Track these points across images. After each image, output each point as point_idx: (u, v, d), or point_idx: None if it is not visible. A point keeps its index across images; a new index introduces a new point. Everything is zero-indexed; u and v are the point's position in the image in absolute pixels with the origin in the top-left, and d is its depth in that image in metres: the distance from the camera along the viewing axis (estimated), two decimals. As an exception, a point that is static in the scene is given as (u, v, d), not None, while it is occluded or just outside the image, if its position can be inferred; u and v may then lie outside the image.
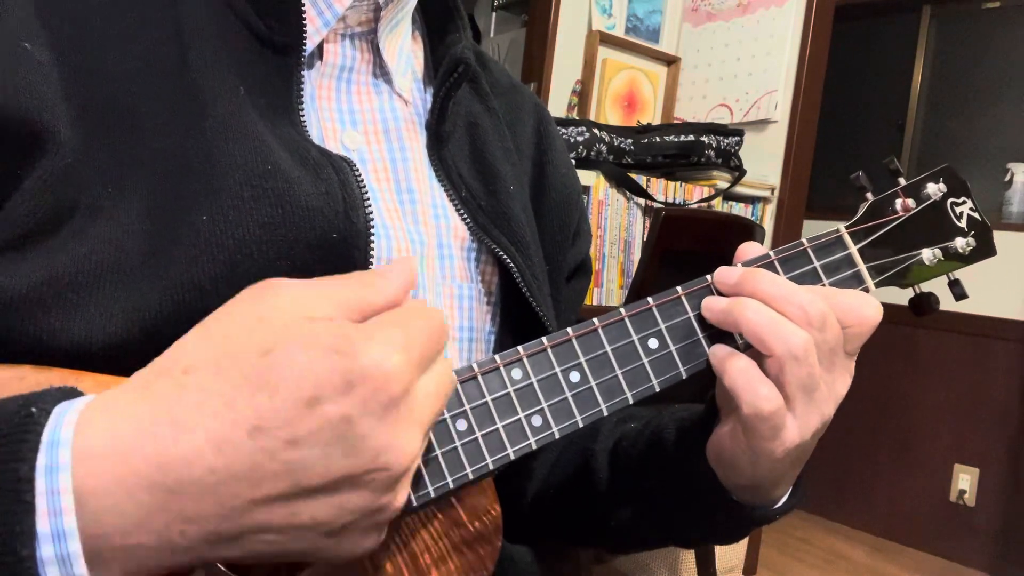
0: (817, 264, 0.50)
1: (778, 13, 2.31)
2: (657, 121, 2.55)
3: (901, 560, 2.77)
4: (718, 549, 2.10)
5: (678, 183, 2.02)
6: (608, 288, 1.92)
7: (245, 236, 0.41)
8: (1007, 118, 3.01)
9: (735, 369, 0.43)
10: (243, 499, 0.29)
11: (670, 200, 2.00)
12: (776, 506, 0.52)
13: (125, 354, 0.38)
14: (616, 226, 1.92)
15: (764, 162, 2.32)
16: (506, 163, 0.57)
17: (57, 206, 0.38)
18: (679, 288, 0.47)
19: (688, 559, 2.11)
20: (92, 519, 0.28)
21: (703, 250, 1.65)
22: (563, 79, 2.36)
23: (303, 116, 0.47)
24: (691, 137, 2.06)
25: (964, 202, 0.53)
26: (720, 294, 0.47)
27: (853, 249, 0.51)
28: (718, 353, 0.45)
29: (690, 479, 0.52)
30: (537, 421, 0.43)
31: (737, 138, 2.12)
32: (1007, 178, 2.87)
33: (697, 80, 2.54)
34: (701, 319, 0.47)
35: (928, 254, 0.52)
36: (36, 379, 0.36)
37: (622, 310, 0.46)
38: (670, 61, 2.58)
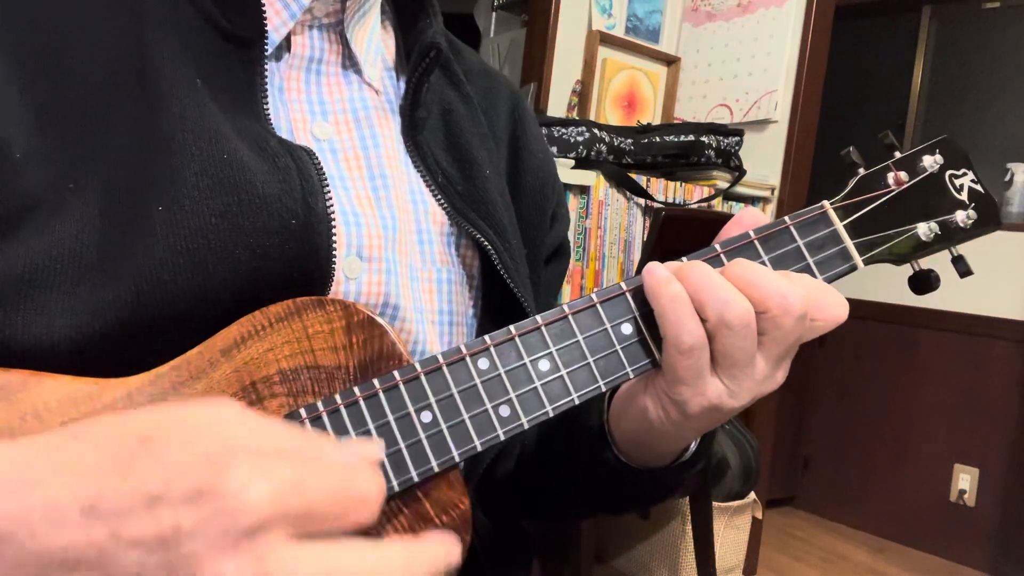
0: (800, 243, 0.47)
1: (778, 13, 2.31)
2: (657, 121, 2.55)
3: (901, 560, 2.77)
4: (718, 549, 2.10)
5: (678, 183, 2.02)
6: (608, 288, 1.92)
7: (202, 225, 0.41)
8: (1007, 118, 3.01)
9: (667, 296, 0.42)
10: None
11: (670, 200, 2.00)
12: (668, 465, 0.52)
13: (89, 347, 0.38)
14: (616, 226, 1.92)
15: (764, 162, 2.32)
16: (481, 149, 0.57)
17: (13, 204, 0.38)
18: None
19: (688, 559, 2.11)
20: None
21: (703, 250, 1.65)
22: (563, 79, 2.35)
23: (267, 108, 0.47)
24: (691, 137, 2.06)
25: (964, 174, 0.50)
26: None
27: (839, 225, 0.48)
28: (655, 274, 0.43)
29: (580, 430, 0.52)
30: (505, 412, 0.42)
31: (737, 138, 2.12)
32: (1007, 178, 2.87)
33: (697, 80, 2.54)
34: None
35: (924, 228, 0.49)
36: (37, 384, 0.37)
37: (593, 295, 0.44)
38: (670, 61, 2.58)
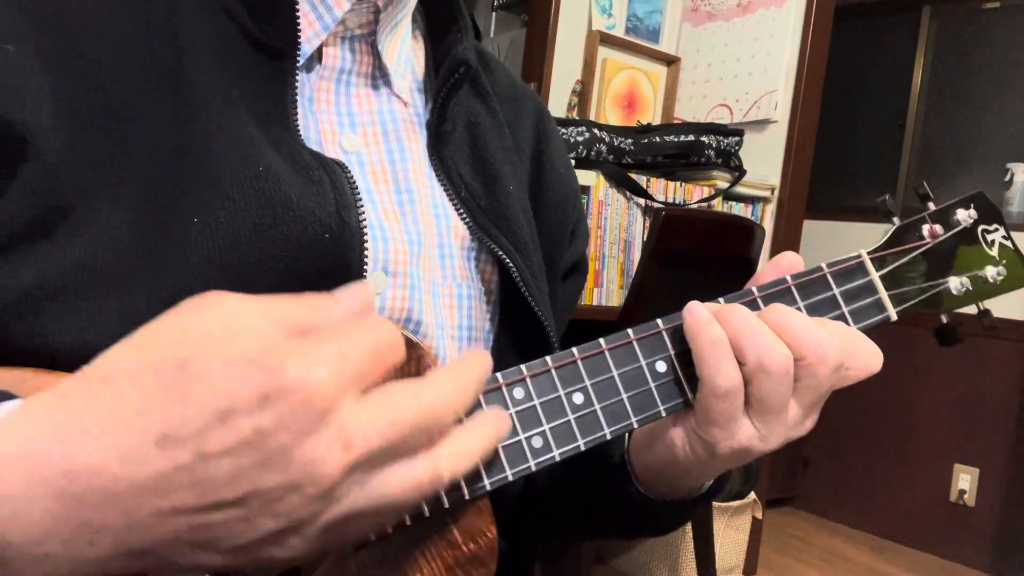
0: (836, 291, 0.48)
1: (778, 13, 2.31)
2: (657, 121, 2.55)
3: (901, 560, 2.77)
4: (718, 549, 2.10)
5: (678, 183, 2.02)
6: (608, 288, 1.92)
7: (237, 238, 0.41)
8: (1007, 118, 3.01)
9: (707, 338, 0.42)
10: (149, 510, 0.28)
11: (670, 200, 2.00)
12: (688, 498, 0.52)
13: None
14: (616, 226, 1.92)
15: (764, 162, 2.32)
16: (506, 163, 0.57)
17: (46, 209, 0.38)
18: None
19: (688, 559, 2.11)
20: (3, 526, 0.27)
21: (703, 250, 1.65)
22: (563, 79, 2.35)
23: (297, 119, 0.47)
24: (691, 137, 2.06)
25: (996, 229, 0.51)
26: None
27: (875, 276, 0.49)
28: (696, 315, 0.43)
29: (600, 458, 0.52)
30: (538, 443, 0.42)
31: (737, 138, 2.12)
32: (1007, 178, 2.87)
33: (697, 80, 2.54)
34: None
35: (956, 283, 0.50)
36: (36, 383, 0.36)
37: (630, 332, 0.44)
38: (670, 61, 2.58)
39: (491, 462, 0.41)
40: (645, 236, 1.95)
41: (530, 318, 0.54)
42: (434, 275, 0.52)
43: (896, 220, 0.50)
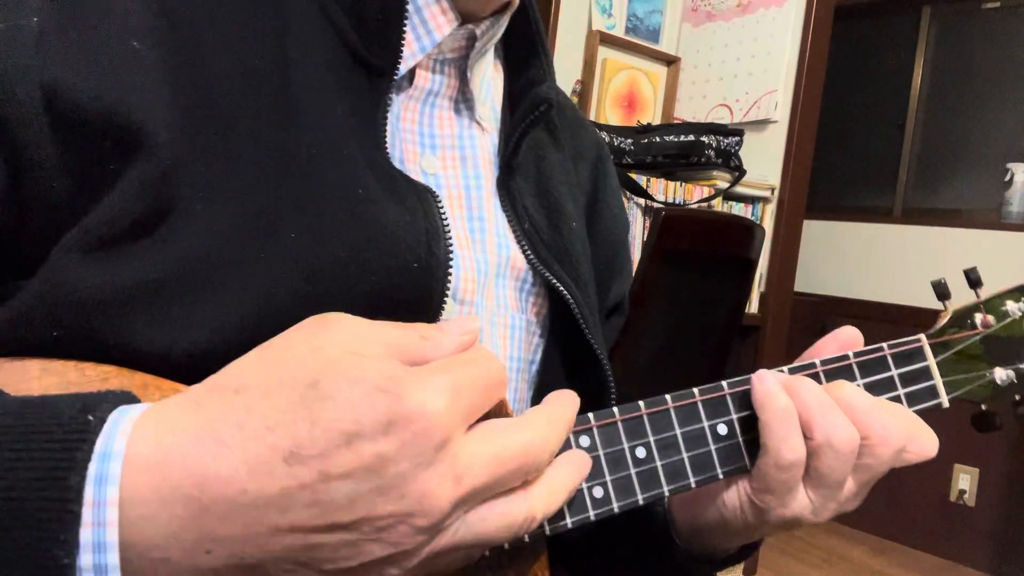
0: (895, 373, 0.49)
1: (778, 13, 2.31)
2: (657, 121, 2.55)
3: (901, 560, 2.77)
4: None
5: (678, 183, 2.02)
6: (608, 288, 1.92)
7: (331, 257, 0.41)
8: (1007, 118, 3.01)
9: (774, 408, 0.43)
10: (269, 525, 0.29)
11: (670, 200, 2.00)
12: (718, 557, 0.53)
13: (205, 363, 0.37)
14: (616, 226, 1.92)
15: (764, 162, 2.32)
16: (569, 198, 0.57)
17: (152, 208, 0.37)
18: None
19: (688, 559, 2.10)
20: (129, 528, 0.28)
21: (703, 250, 1.65)
22: (563, 79, 2.35)
23: (387, 137, 0.47)
24: (691, 137, 2.06)
25: None
26: None
27: (932, 362, 0.50)
28: (766, 383, 0.44)
29: (641, 522, 0.53)
30: (599, 493, 0.42)
31: (737, 138, 2.12)
32: (1007, 178, 2.87)
33: (697, 80, 2.54)
34: None
35: (1001, 374, 0.51)
36: (120, 382, 0.36)
37: (695, 391, 0.45)
38: (670, 61, 2.58)
39: None
40: (645, 236, 1.95)
41: (585, 352, 0.54)
42: (492, 304, 0.52)
43: (948, 304, 0.52)
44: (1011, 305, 0.51)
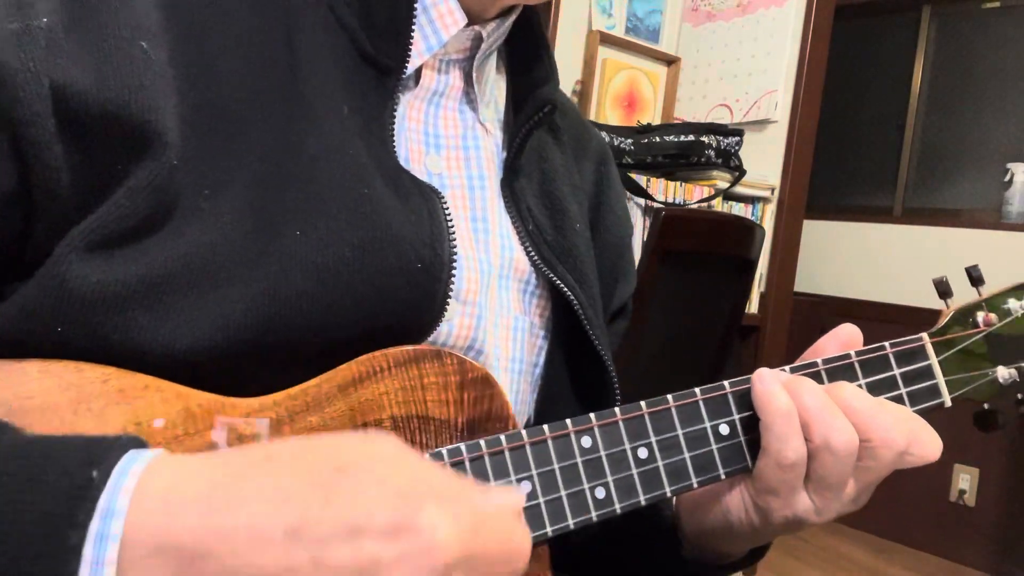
0: (897, 372, 0.49)
1: (778, 13, 2.31)
2: (657, 121, 2.55)
3: (901, 560, 2.77)
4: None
5: (678, 183, 2.02)
6: (608, 288, 1.92)
7: (335, 256, 0.41)
8: (1007, 118, 3.01)
9: (776, 410, 0.43)
10: None
11: (670, 200, 1.99)
12: (724, 563, 0.53)
13: (205, 361, 0.38)
14: (616, 226, 1.92)
15: (764, 162, 2.32)
16: (573, 200, 0.57)
17: (158, 207, 0.38)
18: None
19: (688, 559, 2.10)
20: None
21: (703, 250, 1.65)
22: (563, 79, 2.34)
23: (393, 136, 0.47)
24: (691, 137, 2.06)
25: None
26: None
27: (934, 360, 0.50)
28: (766, 383, 0.44)
29: (649, 528, 0.53)
30: (600, 494, 0.42)
31: (737, 138, 2.11)
32: (1007, 178, 2.87)
33: (697, 80, 2.54)
34: None
35: (1004, 373, 0.51)
36: (120, 383, 0.37)
37: (697, 391, 0.45)
38: (670, 61, 2.58)
39: (554, 510, 0.41)
40: (645, 236, 1.95)
41: (589, 354, 0.54)
42: (495, 305, 0.52)
43: (950, 302, 0.51)
44: (1013, 303, 0.51)
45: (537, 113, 0.53)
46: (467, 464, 0.41)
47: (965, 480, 2.76)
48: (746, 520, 0.46)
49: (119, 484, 0.29)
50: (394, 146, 0.47)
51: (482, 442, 0.41)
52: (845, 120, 3.44)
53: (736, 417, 0.45)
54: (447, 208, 0.46)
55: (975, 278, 0.52)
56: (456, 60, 0.52)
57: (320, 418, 0.40)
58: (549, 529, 0.41)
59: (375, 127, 0.46)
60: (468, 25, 0.49)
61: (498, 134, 0.56)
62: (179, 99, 0.39)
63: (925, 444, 0.45)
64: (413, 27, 0.47)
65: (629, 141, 2.02)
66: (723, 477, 0.45)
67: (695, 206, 2.03)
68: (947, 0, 3.23)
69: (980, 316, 0.51)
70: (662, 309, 1.57)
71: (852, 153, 3.46)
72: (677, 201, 2.01)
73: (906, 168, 3.31)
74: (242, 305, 0.38)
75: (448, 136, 0.52)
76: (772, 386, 0.44)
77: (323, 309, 0.39)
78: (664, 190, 1.99)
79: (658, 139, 2.06)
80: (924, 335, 0.50)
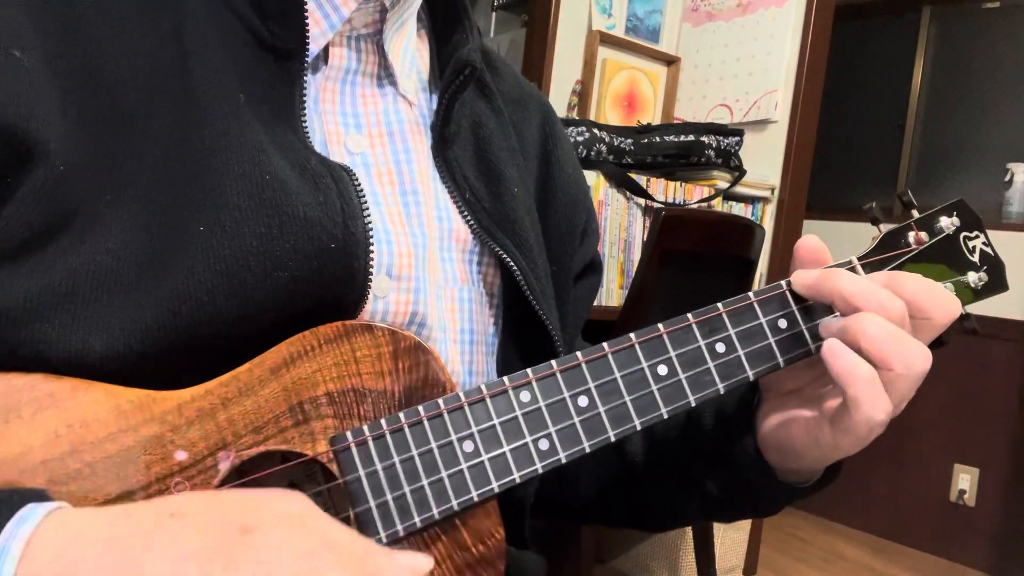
0: None
1: (778, 13, 2.31)
2: (657, 121, 2.55)
3: (901, 560, 2.77)
4: (718, 549, 2.10)
5: (678, 183, 2.02)
6: (608, 288, 1.92)
7: (242, 247, 0.40)
8: (1007, 118, 3.01)
9: (862, 380, 0.43)
10: None
11: (670, 200, 2.00)
12: (811, 482, 0.53)
13: (124, 366, 0.38)
14: (616, 226, 1.92)
15: (764, 162, 2.32)
16: (511, 164, 0.56)
17: (53, 215, 0.37)
18: (689, 316, 0.47)
19: (688, 559, 2.11)
20: None
21: (703, 250, 1.65)
22: (563, 79, 2.35)
23: (305, 122, 0.46)
24: (691, 137, 2.06)
25: (977, 236, 0.53)
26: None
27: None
28: (840, 357, 0.43)
29: (738, 465, 0.52)
30: (544, 445, 0.43)
31: (737, 138, 2.11)
32: (1007, 178, 2.87)
33: (697, 80, 2.54)
34: (721, 344, 0.46)
35: (973, 278, 0.51)
36: (48, 388, 0.37)
37: (632, 336, 0.45)
38: (670, 61, 2.58)
39: (498, 465, 0.42)
40: (645, 236, 1.95)
41: (534, 321, 0.54)
42: (438, 277, 0.51)
43: (882, 227, 0.52)
44: (944, 220, 0.52)
45: (457, 78, 0.52)
46: (407, 430, 0.42)
47: (965, 480, 2.76)
48: (814, 442, 0.47)
49: (14, 533, 0.29)
50: (306, 131, 0.46)
51: (420, 408, 0.42)
52: (845, 120, 3.44)
53: (672, 355, 0.46)
54: (359, 186, 0.45)
55: (906, 203, 0.53)
56: (365, 35, 0.51)
57: (255, 401, 0.40)
58: (495, 484, 0.42)
59: (283, 113, 0.45)
60: None
61: (424, 104, 0.55)
62: (61, 106, 0.38)
63: (944, 304, 0.46)
64: (305, 7, 0.46)
65: (629, 141, 2.02)
66: (665, 416, 0.45)
67: (695, 206, 2.03)
68: (947, 0, 3.23)
69: (911, 236, 0.52)
70: (662, 309, 1.57)
71: (852, 153, 3.46)
72: (677, 201, 2.01)
73: (906, 168, 3.31)
74: (152, 310, 0.38)
75: (368, 114, 0.51)
76: (847, 357, 0.43)
77: (237, 301, 0.39)
78: (664, 190, 1.99)
79: (658, 139, 2.06)
80: (853, 258, 0.50)
